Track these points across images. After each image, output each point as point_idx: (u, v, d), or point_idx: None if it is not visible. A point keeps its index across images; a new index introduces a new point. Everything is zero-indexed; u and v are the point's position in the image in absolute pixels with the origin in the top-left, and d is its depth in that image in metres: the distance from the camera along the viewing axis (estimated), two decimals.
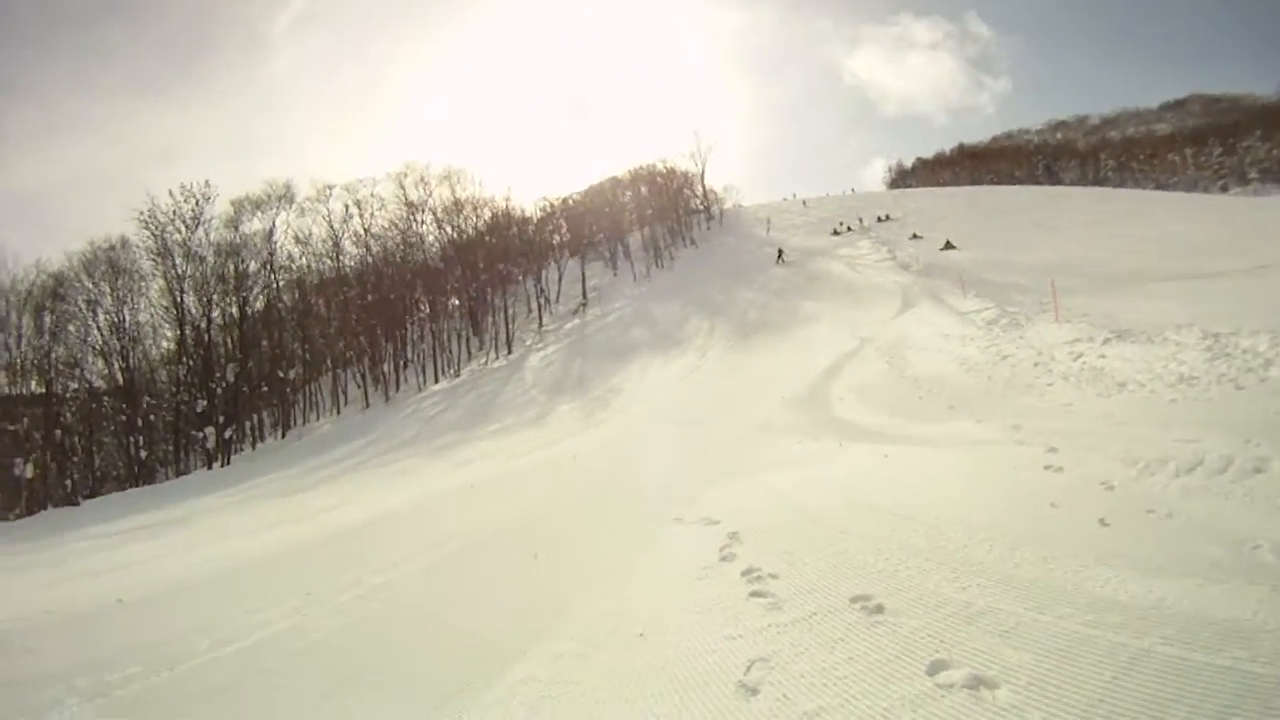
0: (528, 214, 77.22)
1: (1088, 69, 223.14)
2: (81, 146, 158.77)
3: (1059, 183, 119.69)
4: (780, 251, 56.17)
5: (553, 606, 7.50)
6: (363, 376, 58.54)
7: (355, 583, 9.83)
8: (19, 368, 52.10)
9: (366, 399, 56.39)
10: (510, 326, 61.15)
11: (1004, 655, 4.56)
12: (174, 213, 56.24)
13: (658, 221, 78.49)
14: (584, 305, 64.78)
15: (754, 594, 6.49)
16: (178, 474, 51.56)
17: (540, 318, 64.13)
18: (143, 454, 53.40)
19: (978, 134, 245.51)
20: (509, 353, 57.38)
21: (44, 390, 52.90)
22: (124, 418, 54.04)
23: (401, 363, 61.20)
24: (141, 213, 55.40)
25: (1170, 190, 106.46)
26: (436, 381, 56.29)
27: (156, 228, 55.87)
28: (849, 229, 68.64)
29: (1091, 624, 4.73)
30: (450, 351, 60.79)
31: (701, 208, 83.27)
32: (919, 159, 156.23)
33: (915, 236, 58.46)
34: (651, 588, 7.53)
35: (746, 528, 8.65)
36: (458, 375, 56.03)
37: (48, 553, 21.98)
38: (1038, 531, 6.58)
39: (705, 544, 8.45)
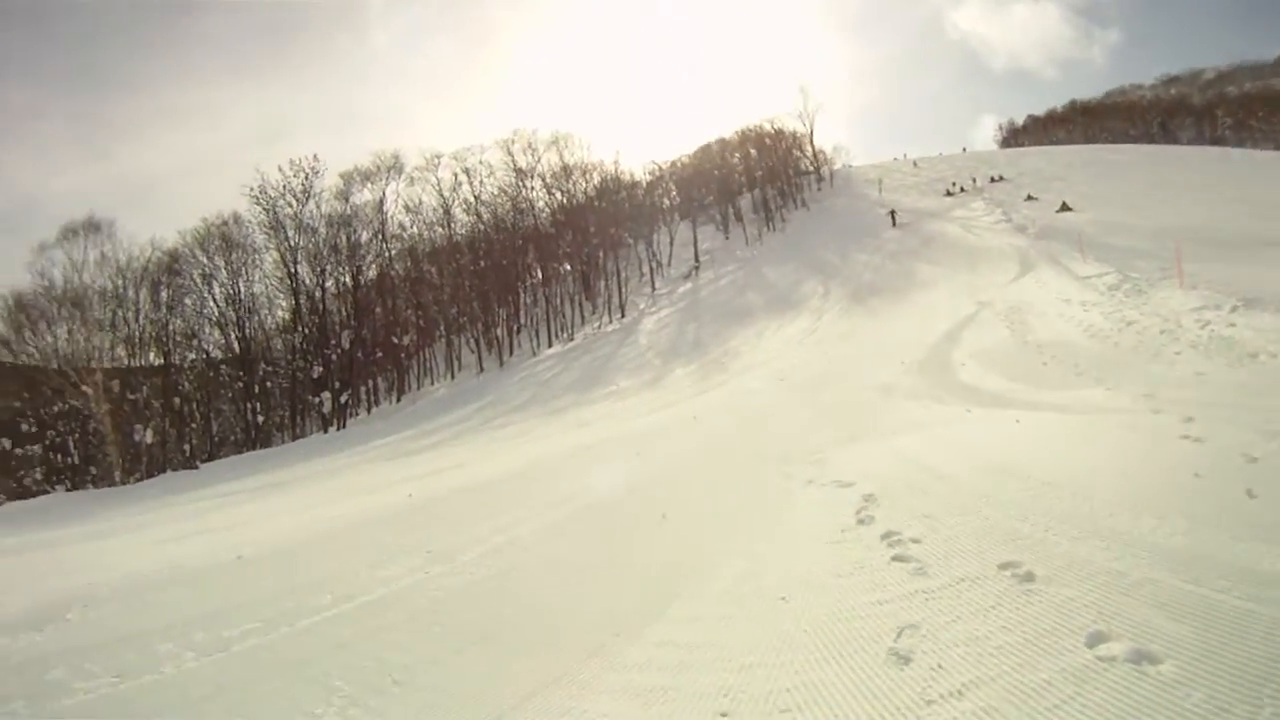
0: (637, 178, 76.28)
1: (1200, 19, 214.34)
2: (185, 133, 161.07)
3: (1175, 141, 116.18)
4: (893, 214, 54.72)
5: (686, 567, 7.43)
6: (476, 342, 58.95)
7: (478, 541, 9.73)
8: (138, 340, 53.43)
9: (481, 364, 56.68)
10: (623, 290, 61.06)
11: (1164, 628, 4.35)
12: (284, 187, 57.31)
13: (768, 183, 77.43)
14: (696, 268, 64.37)
15: (896, 558, 6.33)
16: (294, 438, 52.84)
17: (653, 281, 63.76)
18: (259, 419, 54.94)
19: (1088, 89, 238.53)
20: (622, 316, 57.36)
21: (162, 361, 54.46)
22: (241, 384, 55.65)
23: (515, 328, 61.41)
24: (252, 189, 56.67)
25: None
26: (550, 346, 56.38)
27: (267, 203, 57.03)
28: (962, 190, 67.22)
29: (1251, 597, 4.50)
30: (563, 316, 60.87)
31: (811, 169, 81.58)
32: (1030, 116, 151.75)
33: (1030, 198, 56.53)
34: (789, 550, 7.37)
35: (881, 491, 8.48)
36: (571, 339, 56.11)
37: (167, 511, 22.47)
38: (1184, 502, 6.30)
39: (840, 506, 8.30)
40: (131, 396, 51.22)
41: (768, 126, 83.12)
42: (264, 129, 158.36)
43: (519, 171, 67.17)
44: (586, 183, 70.17)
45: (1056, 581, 5.22)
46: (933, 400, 15.08)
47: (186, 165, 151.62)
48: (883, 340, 26.78)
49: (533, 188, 68.35)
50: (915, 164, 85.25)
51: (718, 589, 6.62)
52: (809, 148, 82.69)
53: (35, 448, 50.13)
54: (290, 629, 7.17)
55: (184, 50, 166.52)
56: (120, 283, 52.44)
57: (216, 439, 55.90)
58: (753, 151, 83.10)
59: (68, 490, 45.61)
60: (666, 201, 79.35)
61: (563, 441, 21.30)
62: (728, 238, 71.49)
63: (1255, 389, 10.42)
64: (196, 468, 45.00)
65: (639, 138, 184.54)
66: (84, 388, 47.90)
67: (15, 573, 13.64)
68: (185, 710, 5.72)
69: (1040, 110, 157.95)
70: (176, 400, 53.78)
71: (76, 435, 50.63)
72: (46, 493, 44.97)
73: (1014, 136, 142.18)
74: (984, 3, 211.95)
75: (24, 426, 50.39)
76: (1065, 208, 49.05)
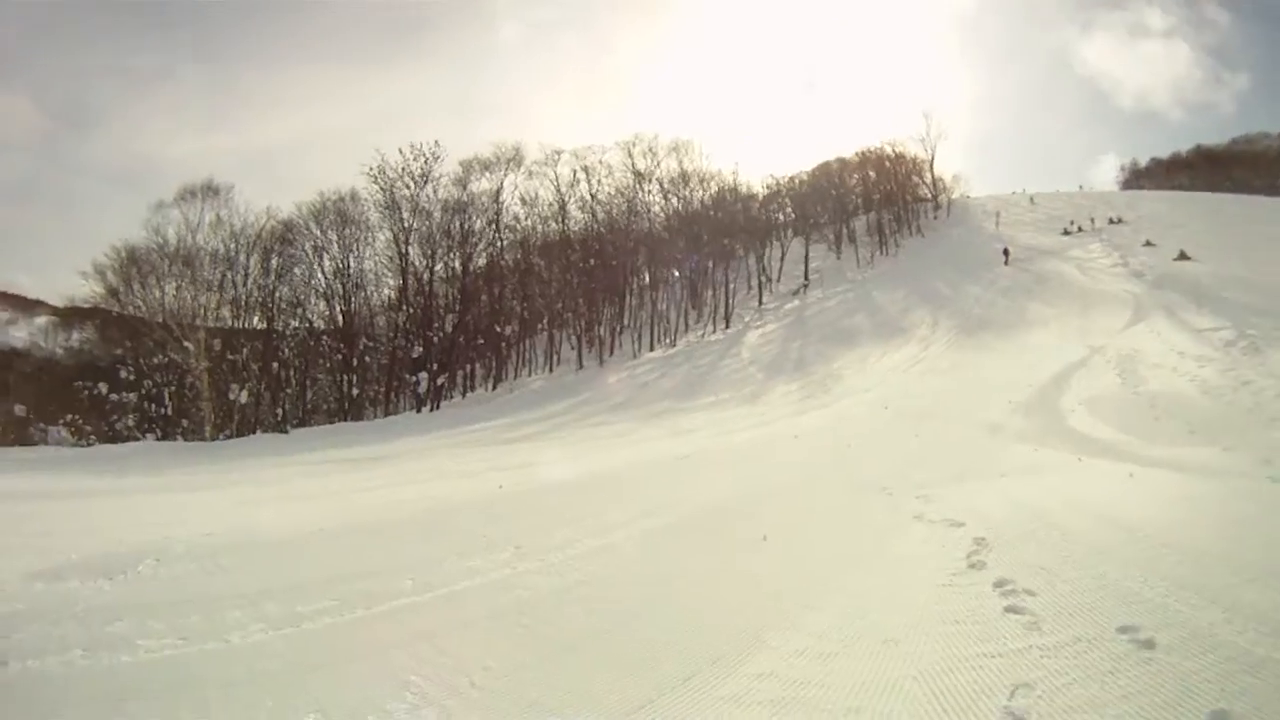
0: (753, 190, 76.22)
1: None
2: (309, 110, 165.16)
3: None
4: (1006, 251, 53.17)
5: (788, 595, 7.06)
6: (577, 338, 59.06)
7: (570, 542, 9.48)
8: (244, 303, 54.88)
9: (580, 360, 56.81)
10: (730, 301, 60.90)
11: None
12: (403, 169, 57.80)
13: (884, 207, 76.86)
14: (805, 286, 63.99)
15: (1009, 609, 6.09)
16: (386, 414, 53.15)
17: (760, 295, 63.54)
18: (354, 391, 55.53)
19: (1215, 134, 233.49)
20: (726, 327, 57.27)
21: (265, 325, 55.86)
22: (340, 356, 56.27)
23: (618, 328, 61.50)
24: (371, 168, 57.23)
25: None
26: (652, 349, 56.51)
27: (385, 183, 57.57)
28: (1080, 229, 66.02)
29: None
30: (668, 321, 60.90)
31: (929, 196, 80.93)
32: (1154, 159, 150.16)
33: (1148, 243, 55.51)
34: (896, 589, 7.10)
35: (993, 535, 8.27)
36: (673, 345, 56.24)
37: (253, 473, 22.58)
38: None
39: (950, 547, 8.12)
40: (231, 357, 52.45)
41: (888, 149, 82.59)
42: (386, 112, 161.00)
43: (637, 174, 67.08)
44: (703, 191, 70.09)
45: (1178, 651, 4.98)
46: (1042, 445, 14.97)
47: (307, 141, 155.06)
48: (990, 377, 26.46)
49: (649, 191, 68.19)
50: (1032, 200, 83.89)
51: (822, 622, 6.28)
52: (928, 174, 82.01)
53: (131, 395, 52.17)
54: (367, 612, 7.07)
55: (315, 30, 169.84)
56: (233, 246, 53.74)
57: (310, 406, 57.04)
58: (871, 174, 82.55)
59: (157, 439, 47.04)
60: (781, 216, 79.27)
61: (660, 447, 21.19)
62: (839, 258, 70.97)
63: None
64: (286, 432, 46.03)
65: (758, 151, 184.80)
66: (186, 343, 49.12)
67: (94, 516, 13.88)
68: (249, 684, 5.60)
69: (1163, 153, 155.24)
70: (275, 365, 55.03)
71: (173, 388, 52.10)
72: (137, 439, 46.75)
73: (1135, 178, 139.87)
74: (1113, 38, 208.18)
75: (122, 374, 52.43)
76: (1183, 256, 48.08)
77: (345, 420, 51.54)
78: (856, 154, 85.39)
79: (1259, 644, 4.93)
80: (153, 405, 52.14)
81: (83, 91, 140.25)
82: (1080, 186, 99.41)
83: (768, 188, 78.76)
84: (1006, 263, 51.34)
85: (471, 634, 6.50)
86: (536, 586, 7.78)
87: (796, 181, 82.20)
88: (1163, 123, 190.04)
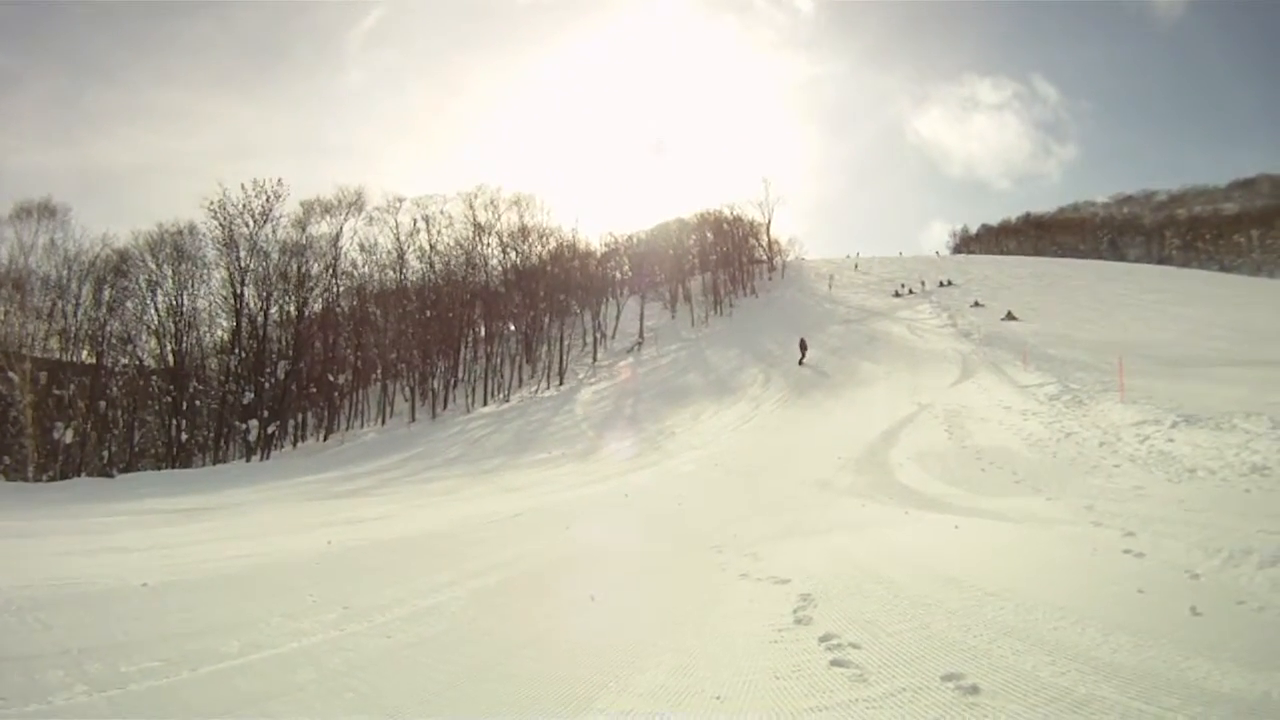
0: (592, 247, 77.91)
1: (1157, 142, 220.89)
2: (157, 134, 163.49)
3: (1123, 258, 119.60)
4: (804, 347, 48.16)
5: (616, 655, 6.99)
6: (411, 391, 59.14)
7: (399, 601, 9.23)
8: (73, 335, 53.64)
9: (413, 413, 56.77)
10: (564, 358, 61.57)
11: None
12: (244, 206, 57.90)
13: (720, 268, 79.17)
14: (640, 344, 65.18)
15: (835, 663, 6.17)
16: (215, 461, 52.53)
17: (595, 352, 64.50)
18: (183, 437, 54.53)
19: (1044, 203, 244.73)
20: (560, 384, 57.85)
21: (94, 361, 54.43)
22: (169, 399, 55.47)
23: (451, 382, 61.51)
24: (212, 202, 57.25)
25: (1235, 272, 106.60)
26: (485, 404, 56.58)
27: (225, 219, 57.51)
28: (910, 291, 68.78)
29: (1200, 717, 4.56)
30: (502, 376, 61.43)
31: (765, 258, 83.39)
32: (984, 225, 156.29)
33: (977, 304, 58.57)
34: (723, 646, 7.06)
35: (819, 590, 8.38)
36: (507, 400, 56.50)
37: (77, 521, 21.72)
38: (1129, 617, 6.36)
39: (777, 604, 8.15)
40: (58, 392, 51.21)
41: (727, 212, 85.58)
42: (233, 144, 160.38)
43: (478, 226, 68.10)
44: (542, 246, 71.39)
45: (1002, 695, 5.13)
46: (870, 500, 15.14)
47: (151, 166, 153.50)
48: (820, 434, 26.85)
49: (489, 244, 69.12)
50: (856, 266, 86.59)
51: (649, 681, 6.25)
52: (765, 237, 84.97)
53: None
54: (193, 674, 6.59)
55: (169, 53, 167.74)
56: (65, 273, 52.98)
57: (137, 449, 55.60)
58: (709, 235, 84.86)
59: None
60: (618, 274, 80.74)
61: (491, 505, 20.94)
62: (674, 317, 72.51)
63: (1195, 505, 10.54)
64: (113, 476, 44.31)
65: (600, 207, 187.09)
66: (10, 374, 47.68)
67: None
68: None
69: (991, 219, 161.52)
70: (102, 404, 53.57)
71: None
72: None
73: (965, 244, 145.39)
74: (947, 111, 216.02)
75: None
76: (1011, 316, 50.57)
77: (173, 466, 50.46)
78: (695, 215, 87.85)
79: (1081, 683, 5.15)
80: None
81: None
82: (900, 252, 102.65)
83: (606, 245, 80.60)
84: (802, 361, 46.96)
85: (300, 697, 6.21)
86: (366, 649, 7.51)
87: (635, 240, 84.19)
88: (992, 191, 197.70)
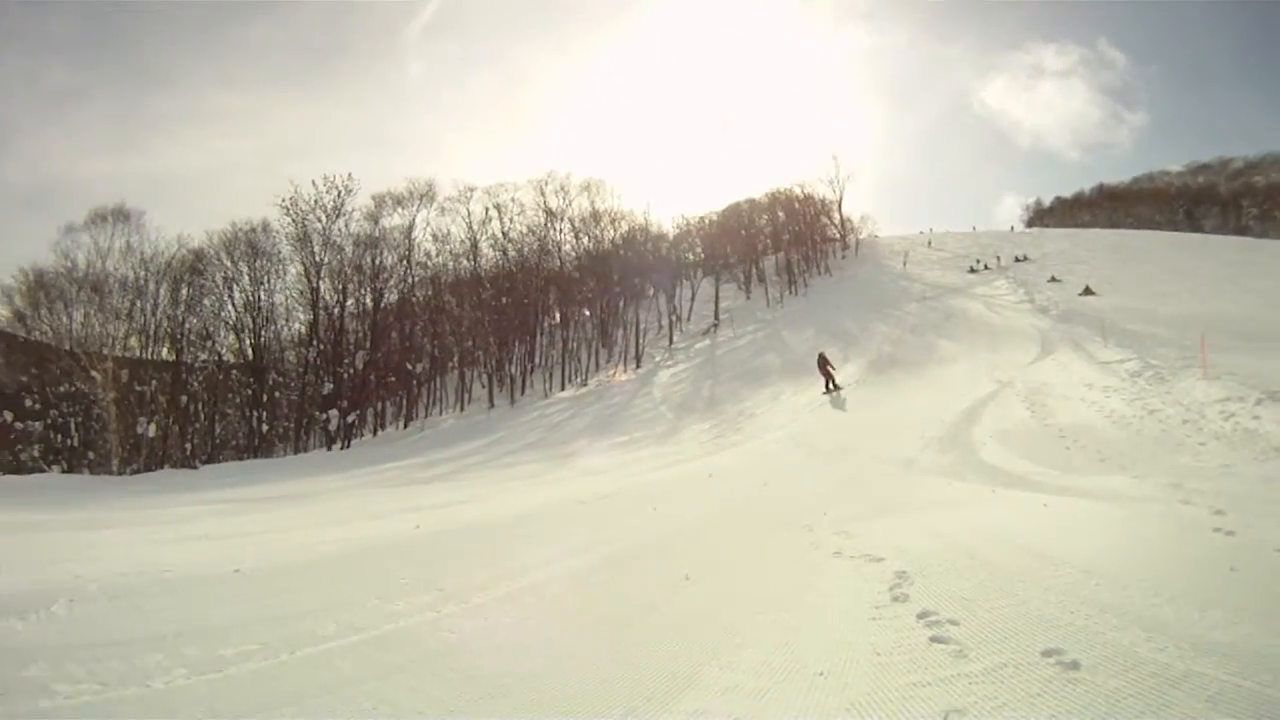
0: (664, 230, 77.29)
1: (1230, 107, 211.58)
2: (222, 136, 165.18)
3: (1199, 229, 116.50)
4: (828, 376, 37.63)
5: (716, 633, 7.08)
6: (489, 377, 59.51)
7: (493, 583, 9.34)
8: (152, 334, 54.90)
9: (491, 399, 57.13)
10: (640, 341, 61.48)
11: None
12: (315, 202, 58.70)
13: (793, 247, 78.27)
14: (715, 326, 64.89)
15: (935, 639, 6.16)
16: (296, 451, 53.40)
17: (671, 335, 64.38)
18: (264, 428, 55.86)
19: (1115, 172, 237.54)
20: (638, 367, 57.68)
21: (174, 357, 55.91)
22: (249, 391, 56.84)
23: (529, 367, 61.93)
24: (284, 200, 58.13)
25: None
26: (563, 389, 56.69)
27: (298, 215, 58.28)
28: (986, 267, 67.97)
29: None
30: (578, 360, 61.49)
31: (837, 236, 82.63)
32: (1057, 198, 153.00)
33: (1053, 279, 57.68)
34: (822, 623, 7.11)
35: (914, 568, 8.32)
36: (584, 385, 56.53)
37: (167, 511, 22.09)
38: (1222, 594, 6.28)
39: (872, 581, 8.15)
40: (139, 388, 52.54)
41: (797, 191, 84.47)
42: (299, 142, 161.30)
43: (549, 212, 68.28)
44: (614, 230, 71.27)
45: (1102, 671, 5.12)
46: (956, 478, 15.09)
47: (219, 168, 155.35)
48: (901, 413, 26.61)
49: (561, 230, 69.35)
50: (930, 244, 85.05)
51: (752, 658, 6.30)
52: (837, 215, 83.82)
53: (36, 424, 51.64)
54: (291, 656, 6.84)
55: (229, 56, 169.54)
56: (142, 274, 54.17)
57: (218, 441, 57.12)
58: (781, 214, 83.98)
59: (63, 471, 47.04)
60: (691, 256, 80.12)
61: (575, 487, 20.92)
62: (749, 298, 72.10)
63: None
64: (196, 467, 45.55)
65: (669, 190, 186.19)
66: (93, 373, 49.31)
67: (1, 553, 13.40)
68: None
69: (1065, 191, 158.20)
70: (183, 398, 55.08)
71: (79, 418, 52.06)
72: (42, 471, 46.66)
73: (1039, 217, 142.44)
74: (1013, 80, 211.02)
75: (28, 402, 51.92)
76: (1088, 291, 49.40)
77: (254, 457, 51.33)
78: (766, 195, 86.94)
79: (1179, 659, 5.13)
80: (59, 436, 51.76)
81: None
82: (974, 227, 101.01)
83: (678, 227, 79.71)
84: (829, 388, 36.13)
85: (400, 678, 6.36)
86: (464, 630, 7.64)
87: (706, 221, 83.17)
88: (1062, 162, 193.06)
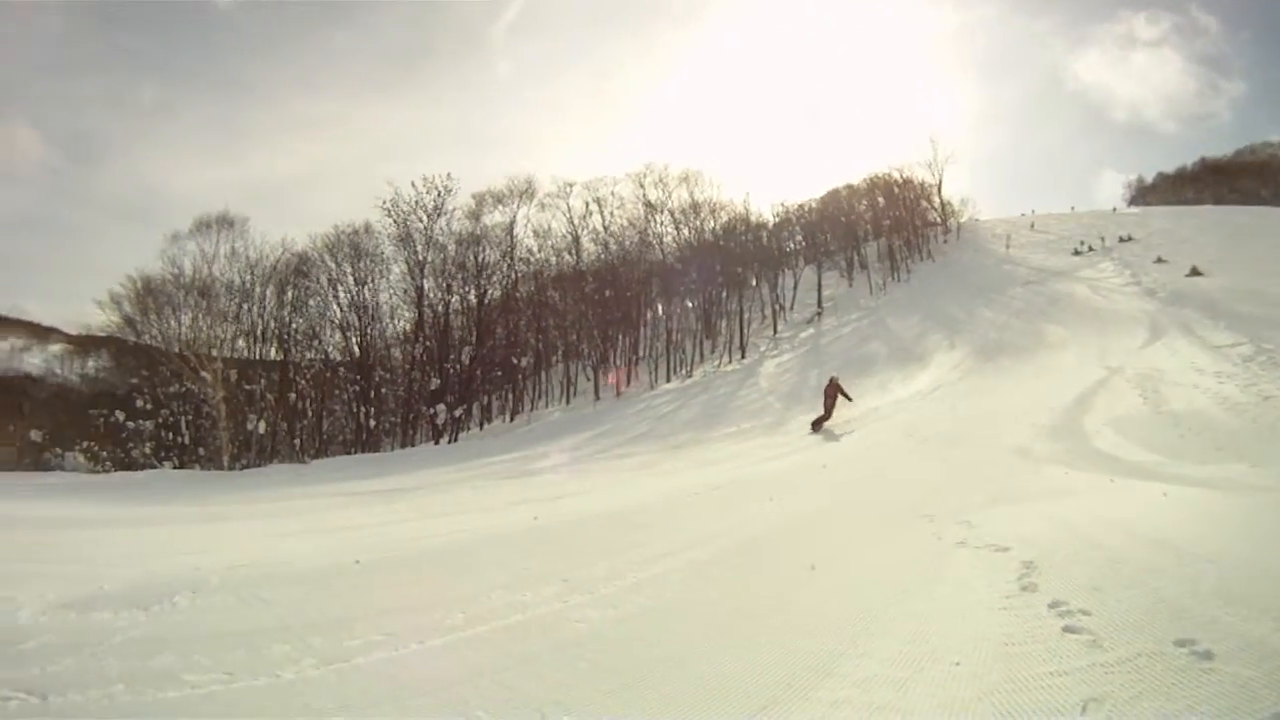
0: (763, 218, 76.89)
1: None
2: (313, 143, 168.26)
3: None
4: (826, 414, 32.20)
5: (847, 623, 7.07)
6: (593, 370, 59.56)
7: (617, 574, 9.41)
8: (260, 334, 56.40)
9: (597, 392, 57.14)
10: (744, 331, 61.01)
11: None
12: (415, 202, 58.93)
13: (894, 233, 76.99)
14: (819, 314, 64.27)
15: (1067, 629, 6.16)
16: (403, 445, 53.91)
17: (775, 324, 63.83)
18: (371, 423, 56.45)
19: (1215, 145, 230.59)
20: (743, 357, 57.34)
21: (281, 357, 57.46)
22: (356, 388, 57.38)
23: (633, 359, 61.94)
24: (384, 201, 58.51)
25: None
26: (668, 380, 56.50)
27: (399, 216, 58.77)
28: (1090, 249, 66.35)
29: None
30: (683, 352, 61.10)
31: (938, 220, 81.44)
32: (1159, 174, 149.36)
33: (1159, 260, 56.04)
34: (953, 613, 7.11)
35: (1040, 558, 8.32)
36: (690, 376, 56.18)
37: (280, 504, 22.44)
38: None
39: (999, 571, 8.16)
40: (248, 387, 53.81)
41: (896, 175, 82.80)
42: (391, 145, 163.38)
43: (649, 205, 68.01)
44: (714, 220, 70.69)
45: (1236, 660, 5.11)
46: (1071, 467, 15.10)
47: (312, 174, 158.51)
48: (1011, 401, 26.41)
49: (661, 222, 69.11)
50: (1033, 226, 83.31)
51: (886, 649, 6.30)
52: (936, 198, 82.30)
53: (147, 423, 53.33)
54: (421, 646, 6.91)
55: (314, 66, 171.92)
56: (248, 278, 55.09)
57: (325, 436, 58.09)
58: (880, 199, 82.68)
59: (174, 467, 48.22)
60: (792, 244, 79.73)
61: (689, 478, 21.06)
62: (851, 285, 71.05)
63: None
64: (305, 462, 46.38)
65: (767, 178, 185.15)
66: (203, 373, 50.43)
67: (120, 545, 13.59)
68: None
69: (1165, 166, 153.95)
70: (291, 395, 56.22)
71: (189, 416, 53.50)
72: (154, 467, 47.93)
73: (1141, 194, 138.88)
74: (1103, 52, 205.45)
75: (139, 402, 53.77)
76: (1195, 272, 48.03)
77: (361, 451, 52.01)
78: (864, 180, 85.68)
79: None
80: (170, 433, 53.38)
81: (86, 125, 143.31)
82: (1073, 207, 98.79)
83: (777, 216, 79.27)
84: (818, 424, 31.31)
85: (533, 668, 6.39)
86: (591, 620, 7.68)
87: (806, 209, 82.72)
88: (1159, 135, 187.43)
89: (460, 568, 10.53)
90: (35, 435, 53.72)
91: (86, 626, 7.54)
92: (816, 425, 29.70)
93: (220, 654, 6.60)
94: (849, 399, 31.03)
